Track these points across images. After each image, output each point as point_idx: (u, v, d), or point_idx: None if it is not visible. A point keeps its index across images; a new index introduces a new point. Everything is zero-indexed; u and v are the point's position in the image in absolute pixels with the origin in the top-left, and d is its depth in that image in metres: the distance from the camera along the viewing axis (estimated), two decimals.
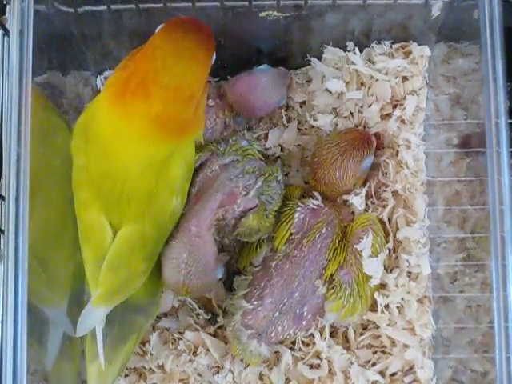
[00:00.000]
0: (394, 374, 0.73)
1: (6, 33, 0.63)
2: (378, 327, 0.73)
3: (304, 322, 0.70)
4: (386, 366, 0.72)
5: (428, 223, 0.74)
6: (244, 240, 0.70)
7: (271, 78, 0.75)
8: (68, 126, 0.68)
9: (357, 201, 0.74)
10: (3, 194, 0.58)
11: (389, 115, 0.77)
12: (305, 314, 0.69)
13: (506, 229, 0.58)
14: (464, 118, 0.71)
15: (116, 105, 0.59)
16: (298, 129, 0.80)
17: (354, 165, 0.71)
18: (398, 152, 0.75)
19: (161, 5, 0.68)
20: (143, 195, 0.61)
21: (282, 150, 0.80)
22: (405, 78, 0.77)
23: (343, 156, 0.71)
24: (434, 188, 0.75)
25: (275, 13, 0.71)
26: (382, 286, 0.73)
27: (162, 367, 0.74)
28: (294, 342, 0.73)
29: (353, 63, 0.77)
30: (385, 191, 0.76)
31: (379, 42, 0.78)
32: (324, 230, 0.70)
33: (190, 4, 0.68)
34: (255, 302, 0.69)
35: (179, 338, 0.74)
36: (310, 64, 0.79)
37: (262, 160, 0.70)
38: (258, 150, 0.71)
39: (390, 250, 0.74)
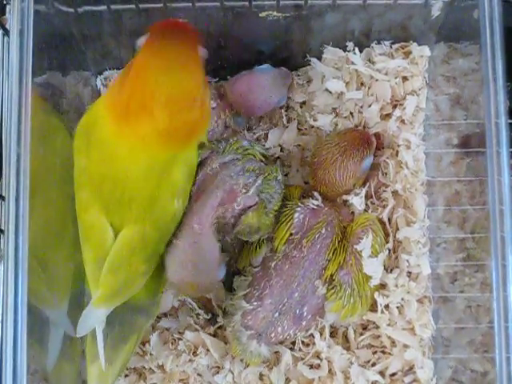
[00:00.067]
0: (393, 374, 0.73)
1: (6, 33, 0.63)
2: (377, 327, 0.73)
3: (304, 323, 0.70)
4: (386, 366, 0.72)
5: (428, 223, 0.74)
6: (244, 239, 0.70)
7: (272, 78, 0.75)
8: (66, 127, 0.68)
9: (357, 201, 0.74)
10: (3, 194, 0.57)
11: (389, 115, 0.77)
12: (305, 314, 0.69)
13: (506, 229, 0.58)
14: (464, 118, 0.71)
15: (121, 126, 0.59)
16: (298, 129, 0.80)
17: (354, 165, 0.71)
18: (397, 152, 0.75)
19: (161, 5, 0.68)
20: (145, 197, 0.61)
21: (281, 150, 0.80)
22: (405, 78, 0.77)
23: (343, 156, 0.71)
24: (433, 188, 0.75)
25: (275, 13, 0.71)
26: (382, 286, 0.73)
27: (161, 367, 0.74)
28: (293, 343, 0.73)
29: (353, 63, 0.77)
30: (385, 191, 0.76)
31: (379, 42, 0.78)
32: (324, 231, 0.70)
33: (190, 4, 0.68)
34: (255, 303, 0.69)
35: (179, 338, 0.74)
36: (309, 64, 0.79)
37: (262, 161, 0.70)
38: (260, 152, 0.71)
39: (389, 250, 0.74)
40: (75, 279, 0.66)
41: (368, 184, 0.76)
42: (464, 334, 0.70)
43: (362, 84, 0.78)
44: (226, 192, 0.65)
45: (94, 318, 0.62)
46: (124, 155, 0.60)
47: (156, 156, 0.60)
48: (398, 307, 0.73)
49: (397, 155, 0.75)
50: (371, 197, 0.76)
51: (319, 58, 0.79)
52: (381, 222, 0.74)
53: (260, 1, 0.69)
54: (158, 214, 0.62)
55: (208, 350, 0.73)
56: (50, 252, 0.65)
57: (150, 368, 0.74)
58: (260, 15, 0.71)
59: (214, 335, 0.74)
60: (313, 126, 0.79)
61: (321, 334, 0.73)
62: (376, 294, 0.71)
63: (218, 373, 0.73)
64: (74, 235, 0.64)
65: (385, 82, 0.77)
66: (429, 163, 0.76)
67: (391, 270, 0.73)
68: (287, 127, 0.79)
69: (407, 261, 0.73)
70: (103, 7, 0.69)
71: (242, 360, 0.71)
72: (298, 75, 0.80)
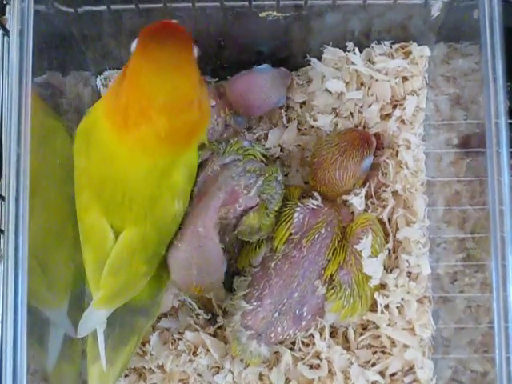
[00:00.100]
0: (393, 374, 0.73)
1: (6, 33, 0.63)
2: (377, 327, 0.73)
3: (304, 323, 0.70)
4: (386, 366, 0.72)
5: (428, 223, 0.74)
6: (244, 239, 0.70)
7: (271, 78, 0.75)
8: (66, 128, 0.68)
9: (356, 201, 0.74)
10: (3, 194, 0.57)
11: (389, 115, 0.77)
12: (304, 314, 0.69)
13: (506, 229, 0.58)
14: (464, 119, 0.71)
15: (121, 132, 0.58)
16: (298, 129, 0.80)
17: (354, 165, 0.71)
18: (397, 152, 0.75)
19: (161, 5, 0.68)
20: (145, 198, 0.61)
21: (281, 150, 0.80)
22: (405, 78, 0.77)
23: (343, 156, 0.71)
24: (433, 188, 0.75)
25: (275, 13, 0.71)
26: (382, 286, 0.73)
27: (161, 367, 0.74)
28: (293, 343, 0.73)
29: (353, 63, 0.77)
30: (385, 191, 0.76)
31: (379, 42, 0.77)
32: (323, 231, 0.70)
33: (190, 4, 0.68)
34: (255, 303, 0.69)
35: (179, 339, 0.74)
36: (309, 64, 0.79)
37: (262, 162, 0.70)
38: (260, 152, 0.71)
39: (389, 250, 0.74)
40: (75, 279, 0.66)
41: (368, 184, 0.76)
42: (464, 334, 0.70)
43: (361, 84, 0.78)
44: (227, 193, 0.65)
45: (95, 319, 0.62)
46: (124, 157, 0.59)
47: (156, 159, 0.60)
48: (397, 307, 0.73)
49: (397, 155, 0.75)
50: (371, 197, 0.76)
51: (319, 58, 0.78)
52: (381, 222, 0.74)
53: (260, 1, 0.69)
54: (158, 216, 0.62)
55: (208, 350, 0.73)
56: (50, 252, 0.65)
57: (150, 368, 0.74)
58: (260, 15, 0.71)
59: (214, 335, 0.74)
60: (313, 126, 0.78)
61: (321, 334, 0.72)
62: (376, 294, 0.71)
63: (217, 373, 0.73)
64: (73, 235, 0.64)
65: (385, 82, 0.77)
66: (429, 163, 0.76)
67: (391, 270, 0.73)
68: (287, 127, 0.79)
69: (407, 261, 0.73)
70: (103, 7, 0.69)
71: (241, 360, 0.71)
72: (298, 75, 0.80)
